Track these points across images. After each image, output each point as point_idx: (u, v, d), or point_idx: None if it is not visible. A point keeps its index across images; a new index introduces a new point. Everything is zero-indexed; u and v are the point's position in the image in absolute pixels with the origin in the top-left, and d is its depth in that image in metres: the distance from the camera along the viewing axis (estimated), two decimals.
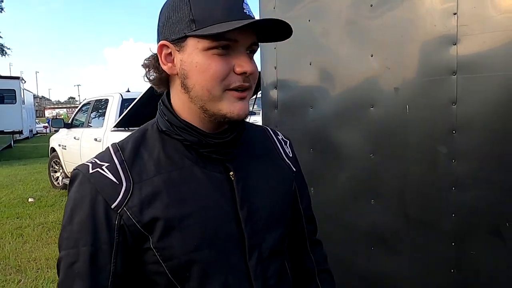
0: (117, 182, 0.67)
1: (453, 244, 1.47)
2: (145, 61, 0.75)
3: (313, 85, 1.89)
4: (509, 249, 1.36)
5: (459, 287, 1.48)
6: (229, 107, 0.68)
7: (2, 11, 21.83)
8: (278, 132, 0.91)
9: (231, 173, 0.73)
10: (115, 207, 0.65)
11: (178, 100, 0.72)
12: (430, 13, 1.47)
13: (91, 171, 0.68)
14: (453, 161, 1.44)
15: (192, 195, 0.69)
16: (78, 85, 77.93)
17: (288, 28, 0.68)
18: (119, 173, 0.68)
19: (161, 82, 0.74)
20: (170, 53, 0.70)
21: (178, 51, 0.69)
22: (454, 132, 1.44)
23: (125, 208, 0.65)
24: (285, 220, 0.81)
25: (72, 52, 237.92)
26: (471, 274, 1.46)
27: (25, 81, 17.13)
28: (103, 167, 0.68)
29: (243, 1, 0.68)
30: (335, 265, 0.98)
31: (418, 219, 1.57)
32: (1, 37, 23.13)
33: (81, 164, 0.70)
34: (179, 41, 0.68)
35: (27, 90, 19.14)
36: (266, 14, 2.04)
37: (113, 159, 0.69)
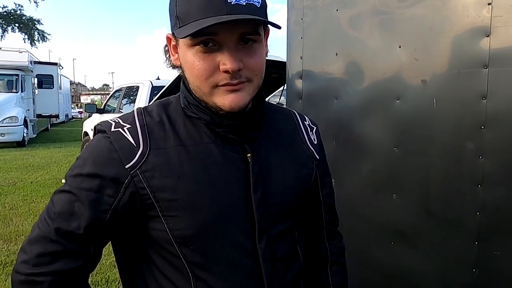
0: (135, 145, 0.68)
1: (476, 243, 1.43)
2: (165, 48, 0.76)
3: (339, 76, 1.86)
4: None
5: None
6: (220, 100, 0.67)
7: None
8: (306, 117, 0.88)
9: (249, 155, 0.72)
10: (128, 167, 0.67)
11: None
12: (462, 3, 1.41)
13: (112, 129, 0.70)
14: (480, 157, 1.39)
15: (206, 171, 0.69)
16: (112, 73, 79.96)
17: (264, 21, 0.64)
18: (138, 136, 0.69)
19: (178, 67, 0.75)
20: (176, 45, 0.71)
21: (177, 45, 0.70)
22: (482, 127, 1.38)
23: (138, 171, 0.67)
24: (298, 208, 0.80)
25: (108, 40, 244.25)
26: (494, 274, 1.41)
27: (62, 67, 17.75)
28: (125, 128, 0.70)
29: None
30: (354, 258, 0.98)
31: (441, 216, 1.53)
32: (42, 24, 24.05)
33: (105, 121, 0.72)
34: (174, 35, 0.68)
35: (64, 76, 19.86)
36: (294, 4, 2.02)
37: (135, 122, 0.71)
